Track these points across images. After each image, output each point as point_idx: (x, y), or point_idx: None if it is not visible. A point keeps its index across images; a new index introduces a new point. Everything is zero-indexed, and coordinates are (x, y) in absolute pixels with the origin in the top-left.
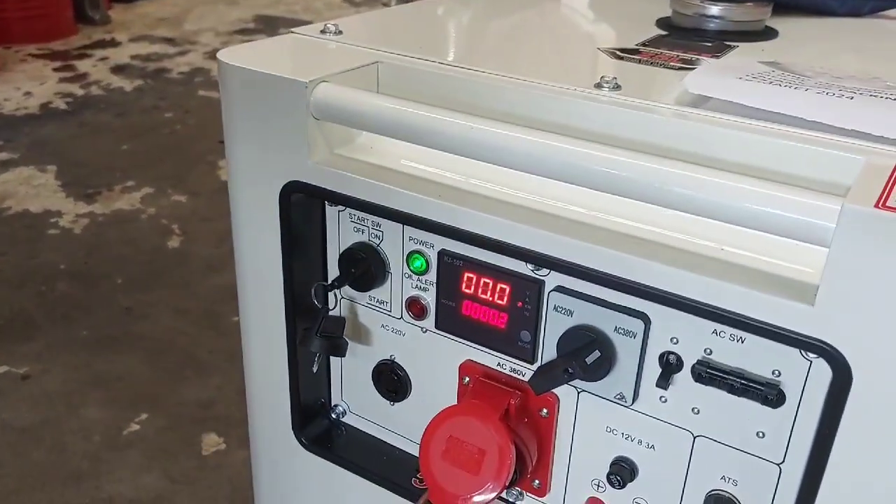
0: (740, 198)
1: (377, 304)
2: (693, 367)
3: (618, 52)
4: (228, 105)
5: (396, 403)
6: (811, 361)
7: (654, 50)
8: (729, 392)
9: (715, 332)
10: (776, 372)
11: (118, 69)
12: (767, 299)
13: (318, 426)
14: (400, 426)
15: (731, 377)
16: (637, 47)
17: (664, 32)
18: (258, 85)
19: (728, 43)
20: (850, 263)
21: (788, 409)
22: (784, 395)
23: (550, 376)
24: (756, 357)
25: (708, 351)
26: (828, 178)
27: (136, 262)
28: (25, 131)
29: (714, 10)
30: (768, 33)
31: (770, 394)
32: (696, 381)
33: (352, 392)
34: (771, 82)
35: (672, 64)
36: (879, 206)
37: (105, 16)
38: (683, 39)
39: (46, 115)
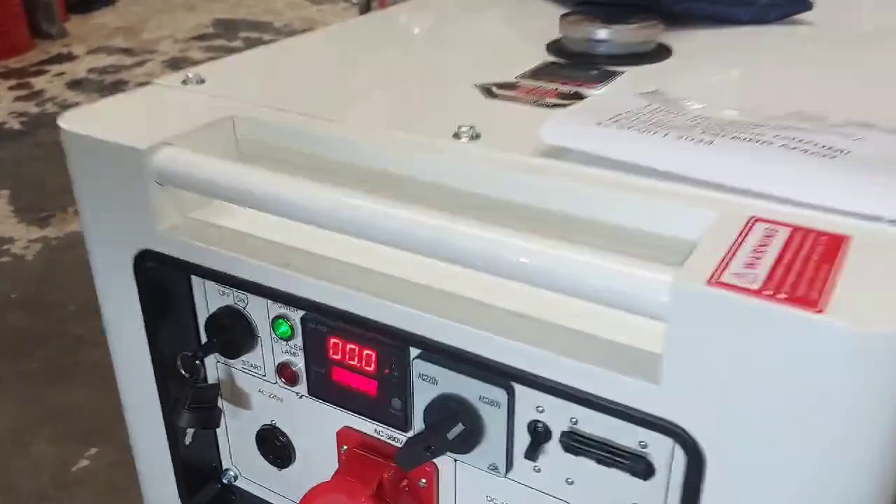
0: (574, 270)
1: (251, 369)
2: (561, 436)
3: (492, 89)
4: (73, 171)
5: (283, 469)
6: None
7: (533, 83)
8: (598, 463)
9: (575, 400)
10: (643, 443)
11: (74, 84)
12: (613, 378)
13: (210, 492)
14: (290, 491)
15: (598, 448)
16: (516, 80)
17: (552, 59)
18: (97, 152)
19: (614, 69)
20: (690, 339)
21: (659, 482)
22: (653, 467)
23: (413, 453)
24: (622, 427)
25: (574, 420)
26: (681, 236)
27: (88, 287)
28: None
29: (601, 33)
30: (661, 53)
31: (637, 466)
32: (566, 451)
33: (241, 456)
34: (630, 127)
35: (548, 100)
36: (712, 282)
37: (61, 29)
38: (569, 68)
39: (0, 136)
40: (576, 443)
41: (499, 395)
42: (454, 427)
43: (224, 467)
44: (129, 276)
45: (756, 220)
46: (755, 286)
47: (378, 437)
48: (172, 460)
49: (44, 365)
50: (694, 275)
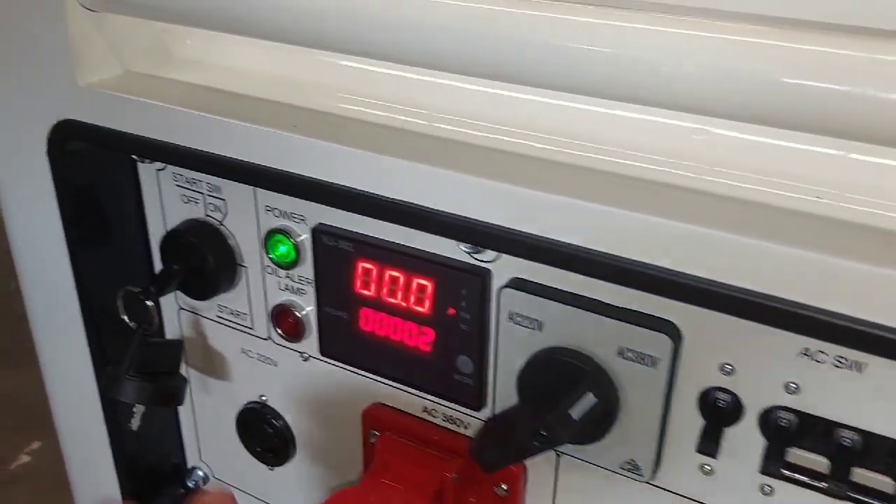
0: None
1: (231, 318)
2: (763, 415)
3: None
4: None
5: (277, 467)
6: None
7: None
8: (832, 461)
9: (806, 352)
10: None
11: None
12: None
13: (169, 499)
14: (284, 499)
15: (835, 434)
16: None
17: None
18: None
19: None
20: None
21: None
22: None
23: (509, 445)
24: (887, 397)
25: (792, 387)
26: None
27: None
28: None
29: None
30: None
31: None
32: (771, 440)
33: (214, 451)
34: None
35: None
36: None
37: None
38: None
39: None
40: (792, 425)
41: (656, 344)
42: (582, 398)
43: (189, 465)
44: (43, 164)
45: None
46: None
47: (430, 418)
48: (114, 454)
49: None
50: None
